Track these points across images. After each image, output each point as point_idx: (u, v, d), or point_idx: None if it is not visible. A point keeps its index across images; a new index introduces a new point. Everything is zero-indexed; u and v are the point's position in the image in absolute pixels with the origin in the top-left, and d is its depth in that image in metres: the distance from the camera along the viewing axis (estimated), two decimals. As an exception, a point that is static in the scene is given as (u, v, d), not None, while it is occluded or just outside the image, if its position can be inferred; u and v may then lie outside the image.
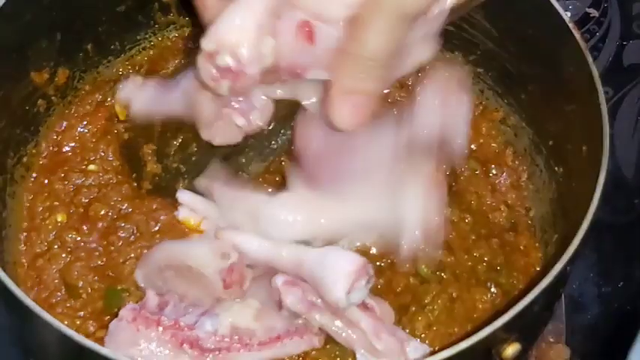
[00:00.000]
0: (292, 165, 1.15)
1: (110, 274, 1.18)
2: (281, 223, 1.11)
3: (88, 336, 1.05)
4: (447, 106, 1.10)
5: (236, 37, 0.95)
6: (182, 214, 1.19)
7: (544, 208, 1.23)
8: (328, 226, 1.11)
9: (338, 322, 1.07)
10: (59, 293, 1.17)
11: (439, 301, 1.15)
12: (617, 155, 1.51)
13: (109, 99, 1.32)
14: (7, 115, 1.20)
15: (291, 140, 1.18)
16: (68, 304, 1.16)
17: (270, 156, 1.22)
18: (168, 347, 1.03)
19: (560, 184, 1.20)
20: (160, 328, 1.04)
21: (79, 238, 1.21)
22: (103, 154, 1.28)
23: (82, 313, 1.16)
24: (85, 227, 1.21)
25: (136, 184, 1.24)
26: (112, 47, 1.33)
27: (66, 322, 1.13)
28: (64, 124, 1.30)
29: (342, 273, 1.06)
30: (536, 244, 1.23)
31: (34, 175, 1.26)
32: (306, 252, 1.10)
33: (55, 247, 1.20)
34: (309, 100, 1.10)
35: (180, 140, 1.22)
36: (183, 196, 1.19)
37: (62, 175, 1.26)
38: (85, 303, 1.16)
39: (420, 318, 1.13)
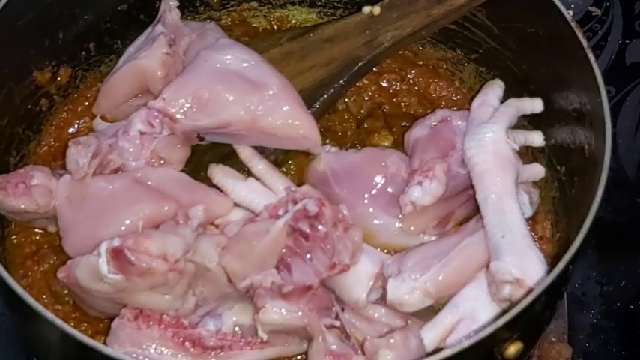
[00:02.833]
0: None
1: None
2: None
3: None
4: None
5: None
6: None
7: (546, 207, 1.23)
8: None
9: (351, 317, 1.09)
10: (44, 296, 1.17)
11: None
12: (619, 154, 1.51)
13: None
14: (9, 113, 1.21)
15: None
16: (57, 307, 1.16)
17: (270, 155, 1.22)
18: (170, 345, 1.03)
19: (562, 183, 1.20)
20: (162, 327, 1.04)
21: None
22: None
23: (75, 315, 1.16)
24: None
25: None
26: (114, 46, 1.33)
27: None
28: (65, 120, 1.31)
29: (365, 275, 1.06)
30: (550, 234, 1.23)
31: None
32: None
33: (46, 247, 1.20)
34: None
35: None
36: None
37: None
38: (76, 307, 1.15)
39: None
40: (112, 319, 1.06)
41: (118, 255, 0.99)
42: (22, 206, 1.11)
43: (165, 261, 1.00)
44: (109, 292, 1.02)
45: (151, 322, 1.04)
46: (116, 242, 1.00)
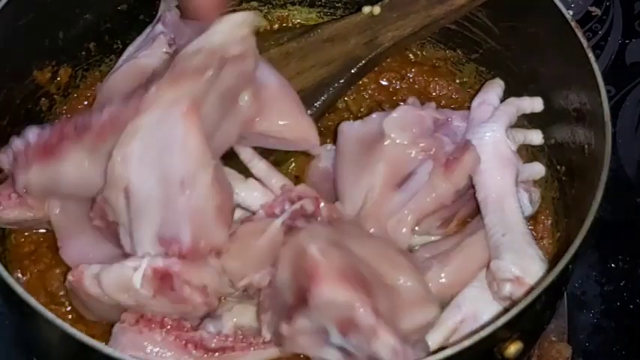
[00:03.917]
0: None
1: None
2: None
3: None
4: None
5: None
6: None
7: (546, 207, 1.23)
8: None
9: None
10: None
11: None
12: (619, 154, 1.51)
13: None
14: (9, 113, 1.20)
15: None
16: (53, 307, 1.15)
17: (270, 155, 1.22)
18: (172, 348, 1.03)
19: (563, 183, 1.20)
20: (164, 330, 1.04)
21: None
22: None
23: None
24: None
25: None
26: (114, 46, 1.33)
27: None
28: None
29: None
30: (550, 234, 1.23)
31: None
32: None
33: (45, 246, 1.19)
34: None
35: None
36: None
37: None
38: (72, 309, 1.14)
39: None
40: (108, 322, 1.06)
41: (162, 277, 0.98)
42: (19, 217, 1.11)
43: (203, 294, 1.00)
44: (126, 303, 1.01)
45: (153, 326, 1.03)
46: (160, 262, 0.98)
